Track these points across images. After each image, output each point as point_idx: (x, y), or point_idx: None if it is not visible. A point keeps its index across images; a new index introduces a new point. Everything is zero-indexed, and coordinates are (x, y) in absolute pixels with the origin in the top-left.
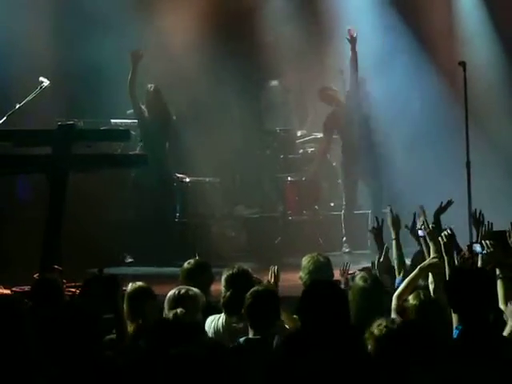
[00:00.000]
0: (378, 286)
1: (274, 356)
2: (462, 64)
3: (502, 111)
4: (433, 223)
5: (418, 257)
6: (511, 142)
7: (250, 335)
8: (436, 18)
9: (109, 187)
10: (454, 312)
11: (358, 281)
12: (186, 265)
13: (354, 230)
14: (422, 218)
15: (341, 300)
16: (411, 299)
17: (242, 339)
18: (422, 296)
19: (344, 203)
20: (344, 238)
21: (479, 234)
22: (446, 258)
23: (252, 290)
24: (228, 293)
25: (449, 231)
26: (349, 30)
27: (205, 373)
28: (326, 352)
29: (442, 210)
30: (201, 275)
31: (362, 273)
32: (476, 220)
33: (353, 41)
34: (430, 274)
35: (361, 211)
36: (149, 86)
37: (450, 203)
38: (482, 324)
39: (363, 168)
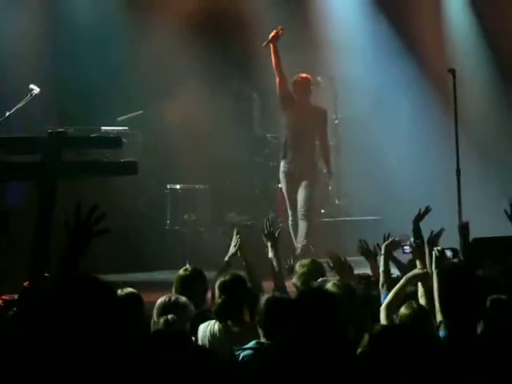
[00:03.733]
0: (351, 293)
1: (265, 364)
2: (452, 71)
3: (492, 118)
4: (412, 230)
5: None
6: (501, 148)
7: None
8: (425, 24)
9: (99, 194)
10: (444, 316)
11: (331, 288)
12: (181, 272)
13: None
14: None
15: (328, 307)
16: (403, 309)
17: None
18: (414, 305)
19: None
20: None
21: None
22: (435, 271)
23: (267, 297)
24: (220, 300)
25: (439, 248)
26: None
27: (194, 380)
28: (315, 360)
29: (420, 217)
30: (198, 283)
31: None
32: (461, 230)
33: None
34: (419, 288)
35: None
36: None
37: (427, 210)
38: (468, 331)
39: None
